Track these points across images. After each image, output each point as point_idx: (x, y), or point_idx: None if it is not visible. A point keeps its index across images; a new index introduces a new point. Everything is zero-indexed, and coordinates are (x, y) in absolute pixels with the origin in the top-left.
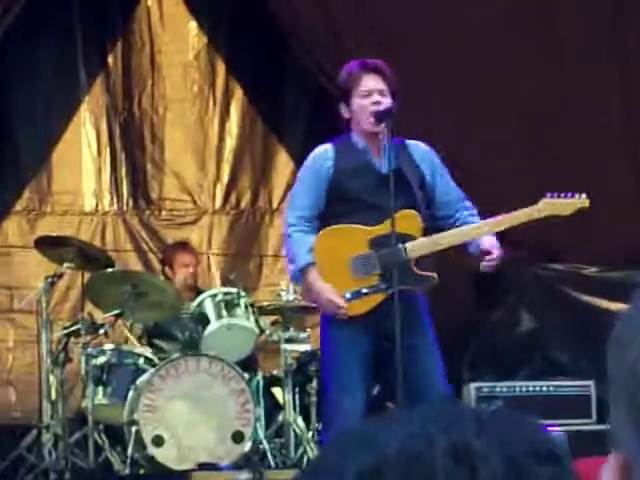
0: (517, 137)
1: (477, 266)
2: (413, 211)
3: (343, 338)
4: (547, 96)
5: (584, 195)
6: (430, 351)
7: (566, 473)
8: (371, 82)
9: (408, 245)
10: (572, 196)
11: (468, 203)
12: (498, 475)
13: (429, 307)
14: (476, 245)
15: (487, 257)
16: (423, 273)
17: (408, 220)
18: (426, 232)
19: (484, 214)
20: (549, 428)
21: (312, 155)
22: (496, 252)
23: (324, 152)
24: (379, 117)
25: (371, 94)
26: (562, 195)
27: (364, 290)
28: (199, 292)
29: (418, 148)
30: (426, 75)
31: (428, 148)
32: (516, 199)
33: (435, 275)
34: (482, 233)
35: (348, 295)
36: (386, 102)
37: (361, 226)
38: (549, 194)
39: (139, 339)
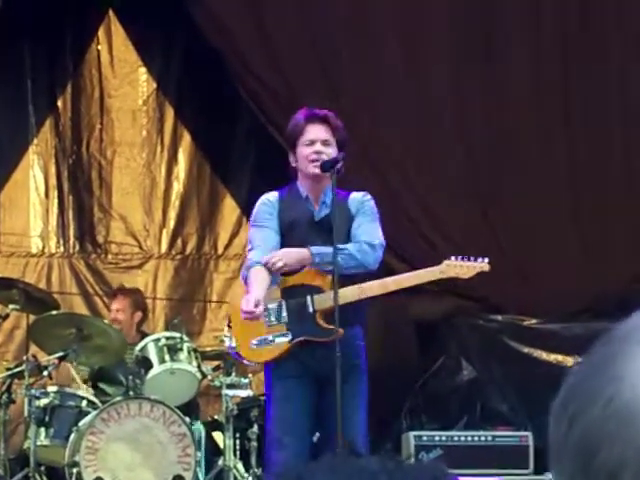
0: (460, 183)
1: (420, 315)
2: None
3: (284, 388)
4: (490, 143)
5: (486, 260)
6: (353, 403)
7: None
8: (315, 132)
9: (315, 297)
10: (474, 260)
11: (363, 246)
12: None
13: (368, 354)
14: None
15: None
16: (327, 326)
17: (319, 272)
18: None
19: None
20: (487, 478)
21: (260, 203)
22: None
23: (271, 202)
24: (324, 166)
25: (314, 143)
26: (464, 258)
27: (270, 337)
28: (145, 336)
29: (355, 199)
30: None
31: (366, 195)
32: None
33: (340, 330)
34: (387, 289)
35: (255, 342)
36: (328, 152)
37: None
38: (453, 257)
39: (84, 382)
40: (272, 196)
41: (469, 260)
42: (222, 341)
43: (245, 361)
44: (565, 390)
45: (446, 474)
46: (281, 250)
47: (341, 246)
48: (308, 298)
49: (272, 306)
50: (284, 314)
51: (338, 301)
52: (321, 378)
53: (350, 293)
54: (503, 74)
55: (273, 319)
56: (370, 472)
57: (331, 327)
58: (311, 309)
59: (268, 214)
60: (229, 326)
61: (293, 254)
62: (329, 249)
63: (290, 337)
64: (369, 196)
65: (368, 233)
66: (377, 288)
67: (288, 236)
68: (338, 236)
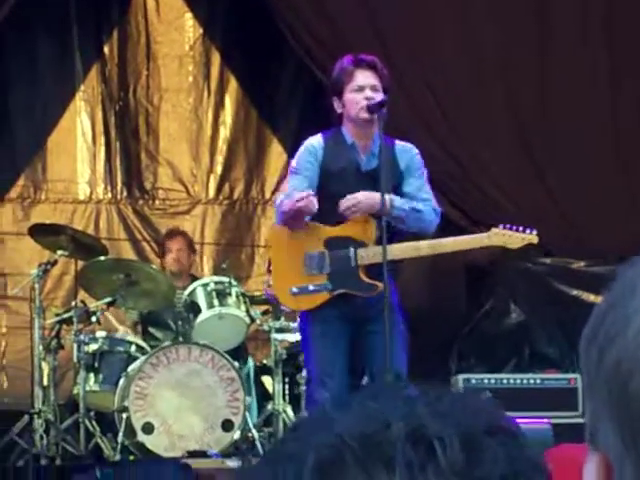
0: (507, 129)
1: (469, 259)
2: (371, 218)
3: (322, 328)
4: (536, 90)
5: (535, 231)
6: (394, 339)
7: (519, 445)
8: (364, 77)
9: (359, 252)
10: (523, 230)
11: (431, 211)
12: (454, 451)
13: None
14: None
15: None
16: (368, 281)
17: (364, 226)
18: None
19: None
20: (536, 420)
21: (304, 149)
22: None
23: (314, 149)
24: (372, 108)
25: (363, 89)
26: (513, 228)
27: (310, 287)
28: (195, 279)
29: (404, 149)
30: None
31: (413, 149)
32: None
33: (379, 284)
34: (432, 251)
35: (295, 290)
36: (378, 97)
37: (320, 224)
38: (501, 225)
39: (134, 326)
40: (316, 142)
41: (517, 230)
42: (270, 285)
43: (282, 306)
44: (594, 318)
45: (497, 412)
46: (361, 194)
47: (418, 207)
48: (352, 251)
49: (314, 255)
50: (326, 265)
51: (387, 256)
52: (358, 321)
53: (398, 251)
54: (548, 16)
55: (314, 268)
56: (408, 399)
57: (373, 282)
58: (354, 263)
59: (309, 162)
60: (269, 270)
61: (370, 201)
62: (406, 205)
63: (331, 288)
64: (416, 150)
65: (432, 198)
66: (426, 249)
67: (332, 184)
68: (385, 189)
